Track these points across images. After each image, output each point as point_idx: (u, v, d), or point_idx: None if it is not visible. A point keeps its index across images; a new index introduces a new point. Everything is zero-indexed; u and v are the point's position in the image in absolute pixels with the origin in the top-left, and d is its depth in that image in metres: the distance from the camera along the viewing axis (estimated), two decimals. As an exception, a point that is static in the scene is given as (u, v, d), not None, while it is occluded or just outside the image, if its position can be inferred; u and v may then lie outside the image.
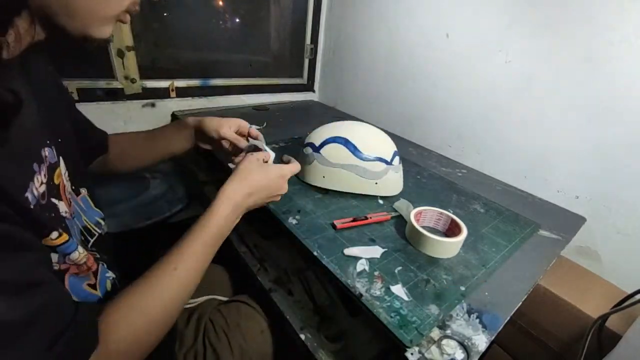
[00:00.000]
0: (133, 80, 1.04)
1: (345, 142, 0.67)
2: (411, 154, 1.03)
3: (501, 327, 0.46)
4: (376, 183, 0.69)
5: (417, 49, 1.13)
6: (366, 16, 1.27)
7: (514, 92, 0.91)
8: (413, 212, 0.60)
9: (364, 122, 0.76)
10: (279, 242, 0.77)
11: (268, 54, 1.45)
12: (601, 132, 0.78)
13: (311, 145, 0.71)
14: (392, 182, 0.71)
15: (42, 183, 0.34)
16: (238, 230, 0.81)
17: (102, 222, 0.48)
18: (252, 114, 1.24)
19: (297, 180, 0.73)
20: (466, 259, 0.57)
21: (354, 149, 0.67)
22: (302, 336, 0.55)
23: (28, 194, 0.30)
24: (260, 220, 0.81)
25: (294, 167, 0.58)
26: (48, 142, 0.38)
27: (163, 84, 1.13)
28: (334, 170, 0.68)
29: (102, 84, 1.01)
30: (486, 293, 0.51)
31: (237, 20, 1.29)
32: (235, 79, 1.32)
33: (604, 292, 0.78)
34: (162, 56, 1.16)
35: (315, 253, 0.54)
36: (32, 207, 0.30)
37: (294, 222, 0.60)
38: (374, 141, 0.70)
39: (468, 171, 0.97)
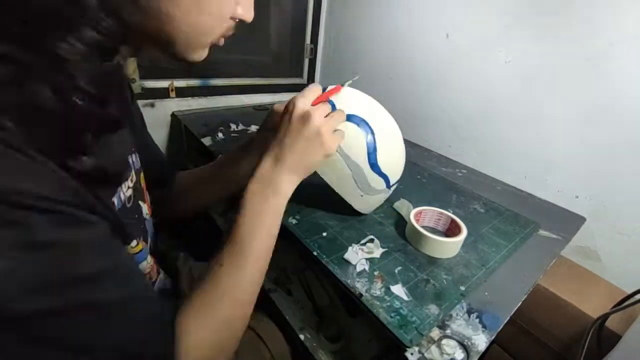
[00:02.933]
0: (132, 80, 1.03)
1: (372, 142, 0.51)
2: (411, 154, 1.03)
3: (501, 327, 0.46)
4: (362, 195, 0.57)
5: (417, 49, 1.13)
6: (366, 16, 1.27)
7: (514, 92, 0.91)
8: (413, 212, 0.60)
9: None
10: (279, 242, 0.76)
11: (268, 54, 1.45)
12: (601, 132, 0.78)
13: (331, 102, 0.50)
14: (374, 202, 0.62)
15: (129, 187, 0.36)
16: None
17: None
18: (252, 114, 1.24)
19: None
20: (466, 259, 0.57)
21: (373, 152, 0.52)
22: (302, 336, 0.55)
23: (115, 199, 0.33)
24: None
25: (310, 91, 0.44)
26: (133, 149, 0.42)
27: (162, 83, 1.13)
28: (337, 159, 0.51)
29: (101, 83, 1.01)
30: (486, 293, 0.51)
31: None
32: (235, 79, 1.32)
33: (604, 292, 0.78)
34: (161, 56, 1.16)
35: (315, 253, 0.54)
36: (116, 210, 0.33)
37: (294, 222, 0.60)
38: (397, 159, 0.57)
39: (468, 171, 0.97)
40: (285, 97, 1.49)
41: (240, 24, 0.38)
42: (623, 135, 0.75)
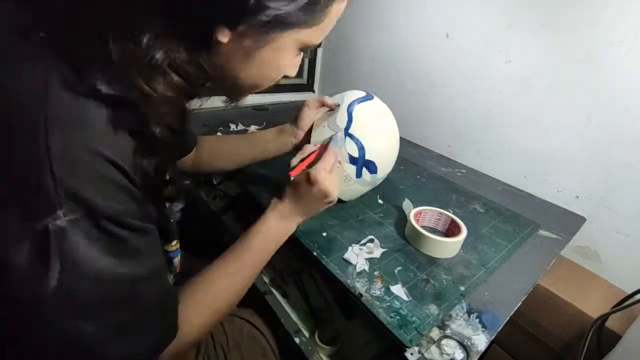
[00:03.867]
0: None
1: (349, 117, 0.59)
2: (411, 154, 1.03)
3: (501, 327, 0.46)
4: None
5: (417, 49, 1.13)
6: (366, 16, 1.27)
7: (514, 92, 0.91)
8: (413, 212, 0.60)
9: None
10: None
11: (268, 54, 1.45)
12: (601, 132, 0.78)
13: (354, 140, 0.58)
14: (356, 188, 0.64)
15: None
16: (232, 231, 0.80)
17: None
18: (252, 114, 1.24)
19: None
20: (466, 259, 0.57)
21: (349, 122, 0.59)
22: (297, 339, 0.54)
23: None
24: (255, 220, 0.80)
25: (326, 160, 0.50)
26: None
27: (163, 83, 1.13)
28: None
29: (101, 83, 1.01)
30: (486, 293, 0.51)
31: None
32: (235, 79, 1.31)
33: (604, 292, 0.78)
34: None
35: (315, 253, 0.54)
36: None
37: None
38: (377, 133, 0.62)
39: (468, 171, 0.97)
40: (285, 97, 1.49)
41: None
42: (623, 136, 0.75)
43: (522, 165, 0.93)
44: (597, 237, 0.83)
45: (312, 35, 0.35)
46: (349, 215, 0.64)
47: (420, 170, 0.91)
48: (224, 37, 0.30)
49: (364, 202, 0.69)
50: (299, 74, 1.55)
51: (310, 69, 1.55)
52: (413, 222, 0.57)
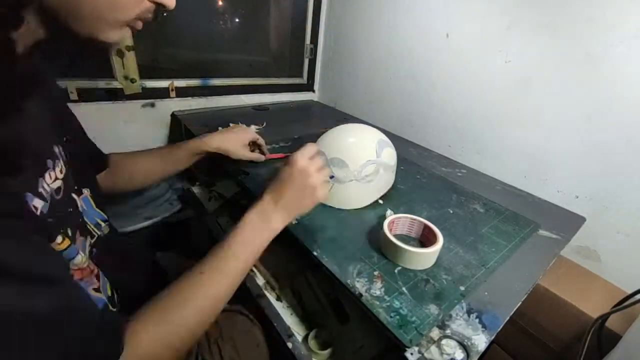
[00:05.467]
0: (133, 80, 1.03)
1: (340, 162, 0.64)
2: (411, 154, 1.03)
3: (501, 327, 0.46)
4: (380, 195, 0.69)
5: (417, 49, 1.13)
6: (366, 16, 1.27)
7: (514, 92, 0.91)
8: (387, 221, 0.55)
9: (353, 121, 0.73)
10: (269, 247, 0.75)
11: (268, 54, 1.45)
12: (601, 132, 0.78)
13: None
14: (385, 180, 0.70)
15: (56, 179, 0.34)
16: (227, 232, 0.79)
17: (103, 224, 0.47)
18: (252, 114, 1.24)
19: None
20: (466, 259, 0.57)
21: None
22: (290, 344, 0.54)
23: (29, 193, 0.30)
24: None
25: (307, 149, 0.48)
26: (66, 138, 0.41)
27: (163, 83, 1.13)
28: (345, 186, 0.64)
29: (101, 83, 1.01)
30: (486, 293, 0.51)
31: (237, 20, 1.29)
32: (235, 79, 1.32)
33: (604, 292, 0.78)
34: (162, 56, 1.16)
35: (315, 253, 0.54)
36: (31, 205, 0.30)
37: (294, 222, 0.60)
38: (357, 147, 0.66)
39: (468, 171, 0.97)
40: (285, 97, 1.49)
41: (161, 10, 0.33)
42: (623, 135, 0.75)
43: (522, 165, 0.93)
44: (596, 237, 0.83)
45: None
46: (349, 215, 0.64)
47: (420, 170, 0.91)
48: None
49: (364, 202, 0.69)
50: (299, 73, 1.55)
51: (310, 69, 1.55)
52: (386, 231, 0.52)
